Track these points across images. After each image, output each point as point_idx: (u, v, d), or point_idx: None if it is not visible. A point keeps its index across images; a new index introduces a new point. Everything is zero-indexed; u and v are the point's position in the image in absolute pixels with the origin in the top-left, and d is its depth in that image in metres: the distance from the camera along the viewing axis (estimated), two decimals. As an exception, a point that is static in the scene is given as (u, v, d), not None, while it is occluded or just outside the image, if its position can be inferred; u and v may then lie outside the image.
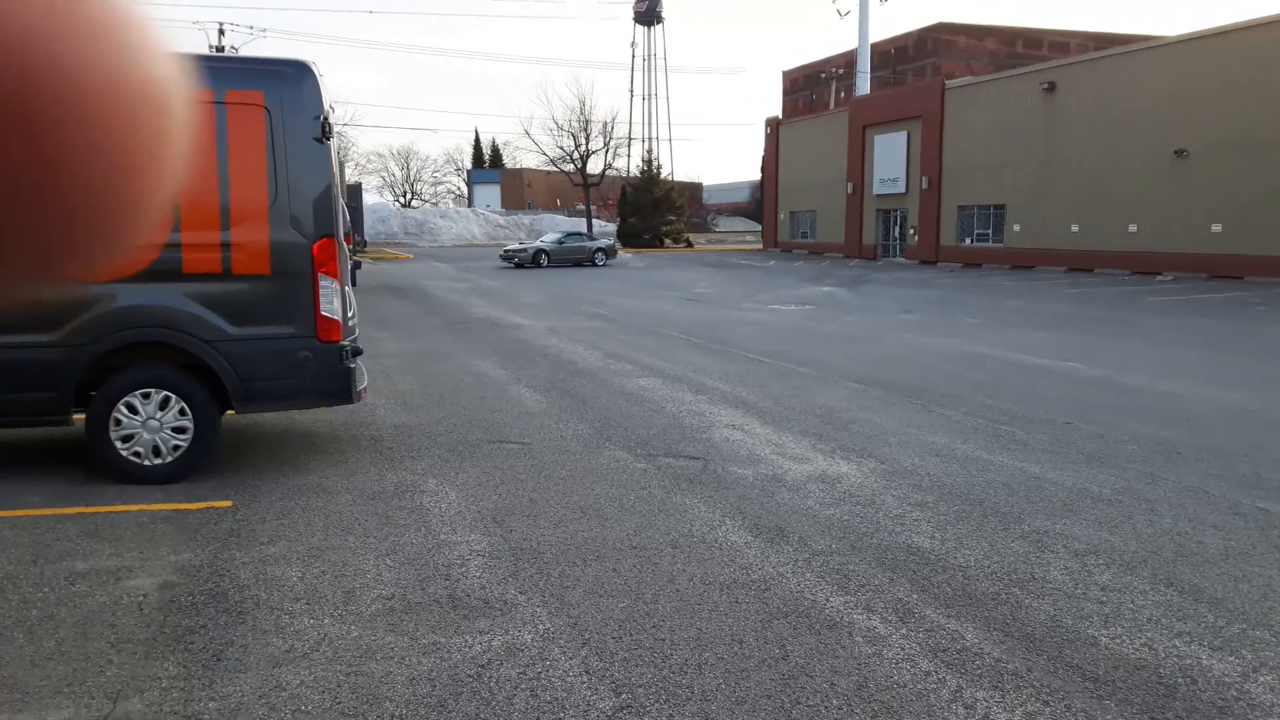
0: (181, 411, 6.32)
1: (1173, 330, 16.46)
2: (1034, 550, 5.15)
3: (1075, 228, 35.58)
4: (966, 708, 3.44)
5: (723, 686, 3.57)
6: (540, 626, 4.10)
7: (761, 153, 65.97)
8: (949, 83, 43.61)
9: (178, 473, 6.31)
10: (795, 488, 6.32)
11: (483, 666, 3.72)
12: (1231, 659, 3.82)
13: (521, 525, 5.51)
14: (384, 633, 4.02)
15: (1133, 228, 33.07)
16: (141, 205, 0.30)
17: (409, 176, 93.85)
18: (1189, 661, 3.80)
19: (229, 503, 5.89)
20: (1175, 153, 31.24)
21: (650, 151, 73.48)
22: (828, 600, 4.43)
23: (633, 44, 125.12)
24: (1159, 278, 30.57)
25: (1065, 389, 10.44)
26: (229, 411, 6.67)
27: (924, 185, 43.85)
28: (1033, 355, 13.07)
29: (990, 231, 40.76)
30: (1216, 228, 29.99)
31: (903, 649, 3.92)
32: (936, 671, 3.72)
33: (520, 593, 4.49)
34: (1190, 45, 31.32)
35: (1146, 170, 32.34)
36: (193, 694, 3.50)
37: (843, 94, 67.74)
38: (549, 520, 5.60)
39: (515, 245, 42.62)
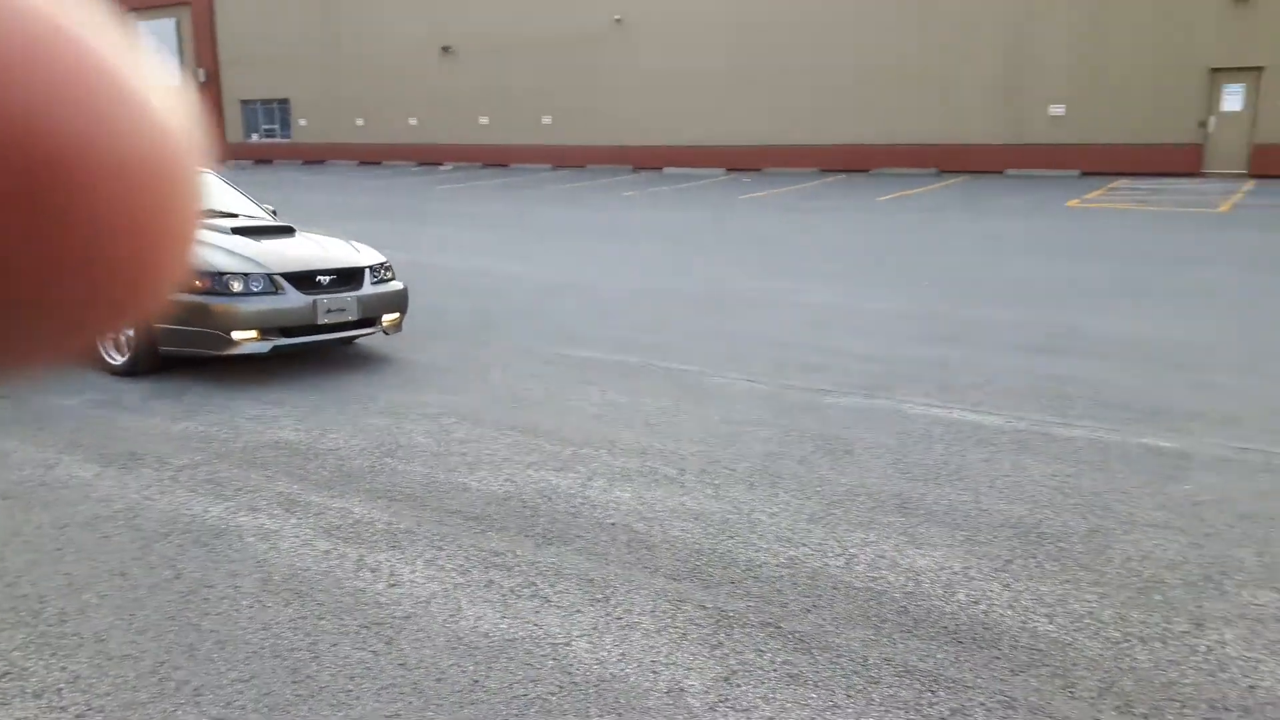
0: None
1: (463, 215, 18.22)
2: (395, 422, 5.50)
3: (360, 121, 36.74)
4: (372, 571, 3.65)
5: (117, 623, 3.25)
6: None
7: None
8: (214, -34, 40.99)
9: None
10: (135, 409, 5.79)
11: None
12: (571, 475, 4.61)
13: None
14: None
15: (413, 121, 35.27)
16: (154, 276, 0.30)
17: None
18: (543, 485, 4.48)
19: None
20: (442, 49, 33.81)
21: None
22: (206, 511, 4.24)
23: None
24: (441, 168, 33.28)
25: (385, 274, 11.00)
26: None
27: (201, 78, 41.16)
28: (348, 246, 13.43)
29: (278, 127, 40.09)
30: (484, 120, 33.44)
31: (297, 536, 3.96)
32: (336, 548, 3.85)
33: None
34: (443, -52, 33.70)
35: (420, 65, 34.52)
36: None
37: (88, -29, 59.60)
38: None
39: None
